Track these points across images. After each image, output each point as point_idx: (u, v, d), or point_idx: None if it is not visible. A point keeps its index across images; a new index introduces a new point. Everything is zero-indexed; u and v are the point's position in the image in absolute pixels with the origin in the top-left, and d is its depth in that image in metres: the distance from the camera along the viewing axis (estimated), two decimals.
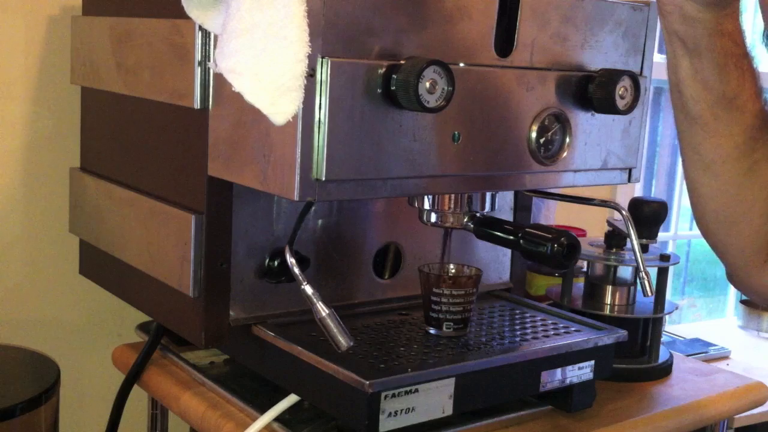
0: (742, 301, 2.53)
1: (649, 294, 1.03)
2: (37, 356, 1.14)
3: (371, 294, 1.09)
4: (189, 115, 0.93)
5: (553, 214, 1.57)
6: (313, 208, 1.00)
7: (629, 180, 1.05)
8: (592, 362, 1.02)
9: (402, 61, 0.80)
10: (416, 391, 0.88)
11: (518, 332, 1.04)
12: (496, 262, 1.21)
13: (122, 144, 1.13)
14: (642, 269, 1.02)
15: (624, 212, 1.06)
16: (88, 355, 1.35)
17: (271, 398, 0.98)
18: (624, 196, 2.09)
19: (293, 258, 0.86)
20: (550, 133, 0.94)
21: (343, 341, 0.83)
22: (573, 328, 1.06)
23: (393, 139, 0.82)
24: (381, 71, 0.80)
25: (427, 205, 1.00)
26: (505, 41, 0.90)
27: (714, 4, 0.75)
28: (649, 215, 1.21)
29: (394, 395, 0.86)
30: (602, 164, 1.00)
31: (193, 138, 0.94)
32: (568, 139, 0.95)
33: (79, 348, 1.34)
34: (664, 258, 1.20)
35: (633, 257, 1.08)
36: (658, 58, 2.06)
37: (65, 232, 1.27)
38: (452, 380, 0.90)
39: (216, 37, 0.85)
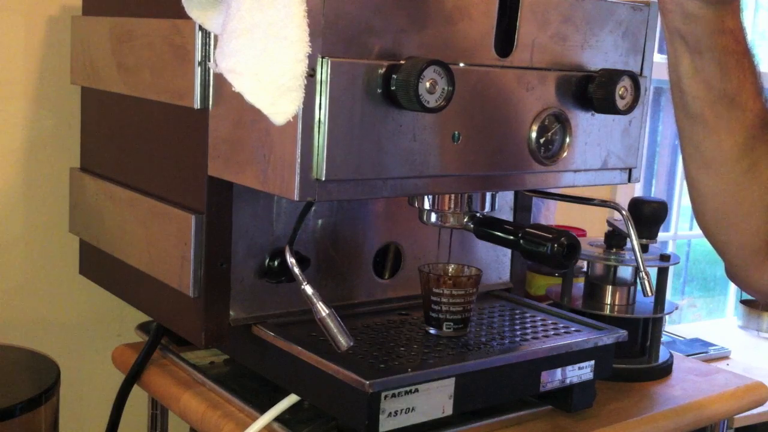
0: (742, 301, 2.53)
1: (649, 294, 1.03)
2: (37, 356, 1.14)
3: (371, 294, 1.09)
4: (189, 115, 0.93)
5: (553, 214, 1.57)
6: (313, 208, 1.00)
7: (629, 180, 1.05)
8: (592, 362, 1.03)
9: (402, 61, 0.80)
10: (416, 391, 0.88)
11: (518, 332, 1.04)
12: (496, 262, 1.21)
13: (122, 144, 1.13)
14: (642, 269, 1.02)
15: (624, 212, 1.06)
16: (88, 355, 1.35)
17: (271, 398, 0.98)
18: (624, 196, 2.09)
19: (293, 258, 0.86)
20: (550, 133, 0.94)
21: (343, 341, 0.83)
22: (573, 328, 1.06)
23: (393, 139, 0.82)
24: (381, 71, 0.80)
25: (427, 205, 1.00)
26: (505, 41, 0.90)
27: (715, 1, 0.75)
28: (649, 215, 1.21)
29: (394, 395, 0.86)
30: (602, 164, 1.00)
31: (193, 138, 0.94)
32: (568, 139, 0.95)
33: (79, 348, 1.34)
34: (664, 258, 1.20)
35: (633, 257, 1.08)
36: (658, 58, 2.06)
37: (65, 232, 1.27)
38: (452, 380, 0.90)
39: (216, 37, 0.85)
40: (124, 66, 1.06)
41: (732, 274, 0.90)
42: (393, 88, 0.80)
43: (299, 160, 0.78)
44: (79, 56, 1.19)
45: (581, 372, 1.02)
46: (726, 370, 1.32)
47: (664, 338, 1.27)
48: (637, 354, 1.21)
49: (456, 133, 0.87)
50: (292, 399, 0.96)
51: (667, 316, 1.27)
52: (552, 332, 1.04)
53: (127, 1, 1.09)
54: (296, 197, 0.79)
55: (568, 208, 1.60)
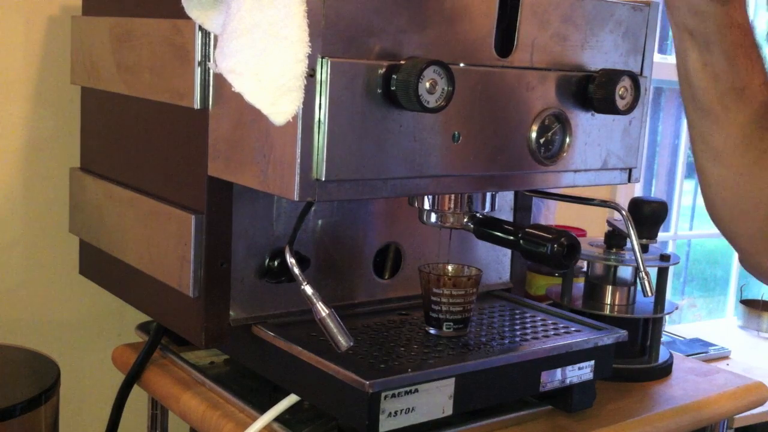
0: (742, 301, 2.53)
1: (650, 294, 1.03)
2: (37, 356, 1.14)
3: (371, 294, 1.09)
4: (189, 115, 0.93)
5: (553, 214, 1.57)
6: (313, 208, 1.00)
7: (629, 180, 1.05)
8: (592, 362, 1.02)
9: (402, 61, 0.80)
10: (416, 391, 0.88)
11: (518, 332, 1.04)
12: (496, 262, 1.21)
13: (122, 144, 1.13)
14: (642, 269, 1.02)
15: (624, 212, 1.06)
16: (88, 355, 1.35)
17: (271, 398, 0.98)
18: (624, 196, 2.09)
19: (293, 258, 0.86)
20: (550, 133, 0.94)
21: (343, 341, 0.83)
22: (573, 328, 1.06)
23: (393, 139, 0.82)
24: (381, 71, 0.80)
25: (427, 205, 1.00)
26: (505, 41, 0.90)
27: None
28: (649, 215, 1.21)
29: (394, 395, 0.86)
30: (602, 164, 1.00)
31: (193, 138, 0.94)
32: (568, 139, 0.95)
33: (79, 348, 1.34)
34: (664, 258, 1.20)
35: (633, 257, 1.08)
36: (658, 58, 2.05)
37: (65, 232, 1.27)
38: (452, 380, 0.90)
39: (216, 37, 0.85)
40: (124, 66, 1.06)
41: (745, 263, 0.90)
42: (393, 88, 0.80)
43: (299, 160, 0.78)
44: (79, 56, 1.19)
45: (581, 372, 1.02)
46: (726, 370, 1.32)
47: (664, 338, 1.27)
48: (637, 354, 1.21)
49: (456, 133, 0.87)
50: (292, 399, 0.96)
51: (667, 316, 1.27)
52: (552, 332, 1.04)
53: (127, 1, 1.09)
54: (296, 197, 0.79)
55: (568, 208, 1.60)
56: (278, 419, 0.95)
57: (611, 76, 0.95)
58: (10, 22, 1.23)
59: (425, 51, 0.83)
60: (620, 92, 0.95)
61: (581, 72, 0.96)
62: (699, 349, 2.04)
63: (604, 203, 1.11)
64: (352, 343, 0.83)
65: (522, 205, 1.22)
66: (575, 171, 0.98)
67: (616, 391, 1.12)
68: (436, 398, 0.89)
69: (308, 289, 0.84)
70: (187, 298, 0.97)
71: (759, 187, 0.82)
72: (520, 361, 0.97)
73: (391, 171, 0.83)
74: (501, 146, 0.90)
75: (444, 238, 1.13)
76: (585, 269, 1.28)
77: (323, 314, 0.83)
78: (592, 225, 1.61)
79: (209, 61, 0.90)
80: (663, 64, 2.30)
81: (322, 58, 0.77)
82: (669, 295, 1.57)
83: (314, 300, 0.84)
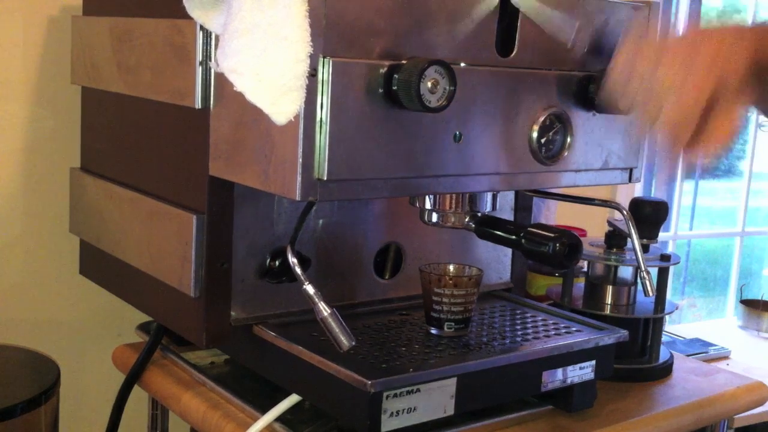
0: (742, 301, 2.53)
1: (650, 294, 1.03)
2: (37, 356, 1.14)
3: (372, 294, 1.09)
4: (190, 115, 0.93)
5: (553, 214, 1.57)
6: (314, 207, 1.00)
7: (630, 180, 1.05)
8: (593, 362, 1.02)
9: (403, 61, 0.80)
10: (418, 391, 0.88)
11: (519, 332, 1.04)
12: (497, 262, 1.21)
13: (122, 144, 1.13)
14: (643, 269, 1.02)
15: (625, 212, 1.06)
16: (88, 355, 1.35)
17: (272, 398, 0.98)
18: (624, 196, 2.09)
19: (294, 258, 0.86)
20: (551, 133, 0.94)
21: (344, 341, 0.83)
22: (574, 328, 1.06)
23: (394, 139, 0.82)
24: (382, 71, 0.80)
25: (428, 205, 1.00)
26: (506, 41, 0.90)
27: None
28: (649, 215, 1.21)
29: (395, 395, 0.86)
30: (603, 164, 1.00)
31: (194, 138, 0.94)
32: (569, 139, 0.95)
33: (79, 348, 1.34)
34: (665, 258, 1.20)
35: (633, 257, 1.08)
36: None
37: (65, 232, 1.27)
38: (454, 380, 0.90)
39: (217, 36, 0.85)
40: (125, 66, 1.06)
41: None
42: (394, 87, 0.80)
43: (301, 160, 0.78)
44: (79, 56, 1.19)
45: (582, 372, 1.02)
46: (726, 370, 1.32)
47: (664, 338, 1.27)
48: (637, 354, 1.21)
49: (457, 132, 0.87)
50: (293, 399, 0.96)
51: (667, 316, 1.27)
52: (553, 332, 1.04)
53: (127, 1, 1.09)
54: (298, 197, 0.79)
55: (568, 208, 1.60)
56: (279, 419, 0.95)
57: None
58: (10, 22, 1.23)
59: (426, 51, 0.83)
60: None
61: (582, 72, 0.96)
62: (699, 349, 2.04)
63: (604, 203, 1.11)
64: (353, 343, 0.83)
65: (523, 205, 1.22)
66: (576, 171, 0.98)
67: (616, 391, 1.12)
68: (437, 398, 0.89)
69: (310, 289, 0.84)
70: (187, 298, 0.97)
71: None
72: (521, 361, 0.97)
73: (393, 171, 0.83)
74: (502, 146, 0.90)
75: (444, 237, 1.13)
76: (585, 269, 1.28)
77: (325, 314, 0.83)
78: (593, 225, 1.61)
79: (210, 60, 0.90)
80: None
81: (324, 57, 0.77)
82: (669, 295, 1.57)
83: (316, 300, 0.84)
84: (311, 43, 0.76)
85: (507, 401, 1.00)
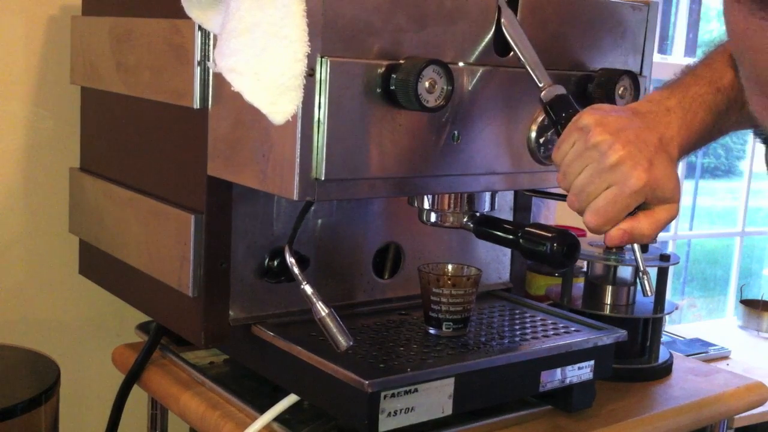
0: (742, 301, 2.53)
1: (649, 294, 1.03)
2: (37, 356, 1.14)
3: (371, 294, 1.09)
4: (188, 115, 0.93)
5: (553, 214, 1.57)
6: (312, 207, 1.00)
7: None
8: (592, 362, 1.02)
9: (401, 61, 0.80)
10: (416, 390, 0.88)
11: (518, 332, 1.04)
12: (496, 262, 1.21)
13: (122, 144, 1.13)
14: (642, 269, 1.02)
15: None
16: (88, 355, 1.35)
17: (271, 398, 0.98)
18: None
19: (293, 258, 0.86)
20: (549, 133, 0.94)
21: (342, 341, 0.83)
22: (573, 328, 1.06)
23: (392, 139, 0.82)
24: (380, 71, 0.80)
25: (426, 205, 1.00)
26: (504, 41, 0.90)
27: None
28: None
29: (393, 395, 0.86)
30: None
31: (193, 138, 0.94)
32: None
33: (79, 348, 1.34)
34: (664, 258, 1.20)
35: (633, 257, 1.08)
36: (658, 58, 2.05)
37: (65, 232, 1.27)
38: (452, 380, 0.90)
39: (215, 36, 0.85)
40: (124, 66, 1.06)
41: None
42: (392, 87, 0.80)
43: (298, 160, 0.78)
44: (78, 56, 1.19)
45: (581, 372, 1.02)
46: (726, 370, 1.32)
47: (664, 338, 1.27)
48: (636, 354, 1.21)
49: (455, 132, 0.87)
50: (291, 399, 0.96)
51: (667, 316, 1.27)
52: (552, 332, 1.04)
53: (126, 1, 1.09)
54: (295, 197, 0.79)
55: (567, 208, 1.60)
56: (278, 419, 0.95)
57: (611, 76, 0.95)
58: (10, 22, 1.23)
59: (424, 50, 0.83)
60: (620, 92, 0.95)
61: (581, 72, 0.96)
62: (699, 349, 2.04)
63: None
64: (351, 343, 0.83)
65: (522, 205, 1.22)
66: None
67: (616, 391, 1.12)
68: (435, 398, 0.89)
69: (308, 289, 0.84)
70: (186, 297, 0.97)
71: None
72: (520, 360, 0.97)
73: (391, 170, 0.83)
74: (500, 146, 0.90)
75: (443, 236, 1.13)
76: (585, 269, 1.28)
77: (323, 314, 0.83)
78: None
79: (209, 60, 0.90)
80: (663, 64, 2.30)
81: (322, 57, 0.77)
82: (669, 295, 1.57)
83: (314, 299, 0.84)
84: (309, 43, 0.76)
85: (506, 401, 1.00)
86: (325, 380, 0.89)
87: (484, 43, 0.89)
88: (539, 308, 1.14)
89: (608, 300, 1.23)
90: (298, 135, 0.78)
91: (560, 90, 0.85)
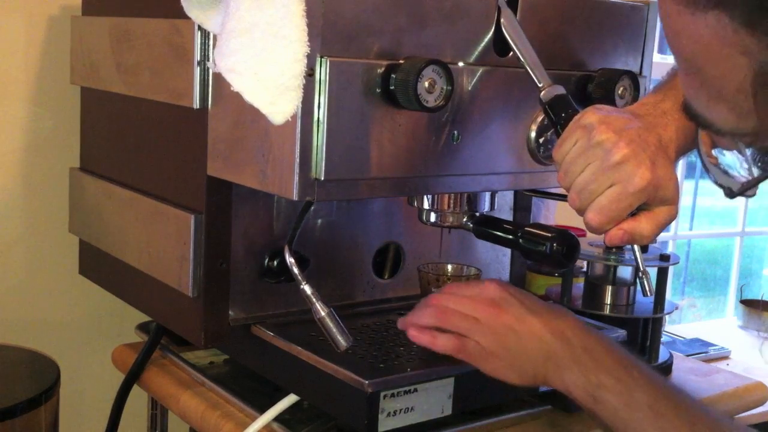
0: (742, 301, 2.53)
1: (649, 294, 1.02)
2: (37, 356, 1.14)
3: (371, 294, 1.09)
4: (188, 115, 0.93)
5: (553, 214, 1.56)
6: (312, 207, 1.00)
7: None
8: None
9: (401, 61, 0.81)
10: (415, 390, 0.88)
11: None
12: (496, 262, 1.21)
13: (122, 144, 1.13)
14: (642, 269, 1.02)
15: None
16: (88, 355, 1.35)
17: (271, 398, 0.98)
18: None
19: (292, 258, 0.86)
20: (549, 133, 0.94)
21: (342, 341, 0.83)
22: None
23: (392, 139, 0.82)
24: (380, 71, 0.80)
25: (426, 205, 1.00)
26: (504, 41, 0.90)
27: None
28: None
29: (393, 395, 0.86)
30: None
31: (193, 138, 0.94)
32: None
33: (79, 348, 1.34)
34: (664, 258, 1.20)
35: (633, 257, 1.08)
36: (658, 58, 2.05)
37: (65, 232, 1.27)
38: (451, 380, 0.90)
39: (215, 36, 0.85)
40: (124, 66, 1.06)
41: None
42: (392, 87, 0.80)
43: (298, 160, 0.78)
44: (78, 56, 1.19)
45: None
46: (726, 370, 1.32)
47: (664, 338, 1.27)
48: (636, 354, 1.21)
49: (455, 132, 0.87)
50: (291, 399, 0.96)
51: (667, 316, 1.27)
52: None
53: (126, 1, 1.09)
54: (295, 197, 0.79)
55: (568, 208, 1.60)
56: (278, 419, 0.95)
57: (610, 76, 0.95)
58: (10, 22, 1.23)
59: (424, 50, 0.83)
60: (620, 92, 0.95)
61: (580, 72, 0.96)
62: (699, 349, 2.04)
63: None
64: (351, 343, 0.83)
65: (522, 205, 1.22)
66: None
67: None
68: (435, 398, 0.89)
69: (307, 289, 0.84)
70: (186, 297, 0.97)
71: None
72: None
73: (390, 170, 0.83)
74: (500, 146, 0.90)
75: (442, 237, 1.13)
76: (585, 269, 1.28)
77: (322, 314, 0.83)
78: None
79: (208, 60, 0.90)
80: (662, 64, 2.30)
81: (321, 57, 0.77)
82: (669, 295, 1.57)
83: (313, 299, 0.84)
84: (308, 43, 0.76)
85: (505, 401, 1.00)
86: (324, 380, 0.89)
87: (483, 43, 0.89)
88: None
89: (608, 300, 1.23)
90: (298, 135, 0.78)
91: (560, 90, 0.85)
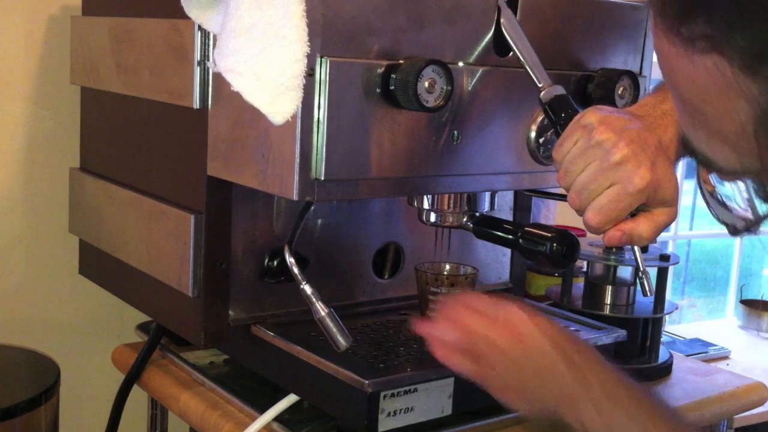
0: (742, 301, 2.53)
1: (649, 294, 1.02)
2: (37, 356, 1.14)
3: (371, 294, 1.09)
4: (188, 115, 0.93)
5: (553, 214, 1.57)
6: (312, 207, 1.00)
7: None
8: None
9: (401, 61, 0.80)
10: (415, 390, 0.88)
11: None
12: (496, 262, 1.21)
13: (122, 144, 1.13)
14: (642, 269, 1.02)
15: None
16: (88, 355, 1.35)
17: (271, 398, 0.98)
18: None
19: (293, 258, 0.86)
20: (549, 133, 0.94)
21: (342, 341, 0.83)
22: (572, 328, 1.06)
23: (392, 139, 0.82)
24: (380, 71, 0.80)
25: (426, 205, 1.00)
26: (504, 41, 0.90)
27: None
28: None
29: (393, 395, 0.86)
30: None
31: (193, 138, 0.94)
32: None
33: (79, 348, 1.34)
34: (664, 258, 1.20)
35: (633, 257, 1.08)
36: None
37: (65, 232, 1.27)
38: (451, 380, 0.90)
39: (215, 36, 0.85)
40: (124, 66, 1.06)
41: None
42: (392, 87, 0.80)
43: (298, 160, 0.78)
44: (78, 56, 1.19)
45: None
46: (726, 370, 1.32)
47: (664, 338, 1.27)
48: (636, 354, 1.21)
49: (455, 132, 0.87)
50: (291, 399, 0.96)
51: (667, 316, 1.27)
52: None
53: (126, 1, 1.09)
54: (295, 197, 0.79)
55: (568, 208, 1.60)
56: (278, 419, 0.95)
57: (610, 76, 0.95)
58: (10, 22, 1.23)
59: (424, 50, 0.83)
60: (619, 92, 0.95)
61: (580, 72, 0.96)
62: (699, 349, 2.04)
63: None
64: (351, 343, 0.83)
65: (522, 205, 1.22)
66: None
67: None
68: (435, 398, 0.89)
69: (307, 289, 0.84)
70: (186, 297, 0.97)
71: None
72: None
73: (390, 170, 0.83)
74: (500, 146, 0.90)
75: (444, 237, 1.13)
76: (585, 269, 1.28)
77: (322, 313, 0.83)
78: None
79: (208, 60, 0.90)
80: None
81: (321, 57, 0.77)
82: (669, 295, 1.57)
83: (313, 299, 0.84)
84: (308, 43, 0.76)
85: None
86: (324, 380, 0.89)
87: (483, 43, 0.89)
88: (539, 308, 1.14)
89: (608, 300, 1.23)
90: (298, 135, 0.78)
91: (559, 90, 0.85)
